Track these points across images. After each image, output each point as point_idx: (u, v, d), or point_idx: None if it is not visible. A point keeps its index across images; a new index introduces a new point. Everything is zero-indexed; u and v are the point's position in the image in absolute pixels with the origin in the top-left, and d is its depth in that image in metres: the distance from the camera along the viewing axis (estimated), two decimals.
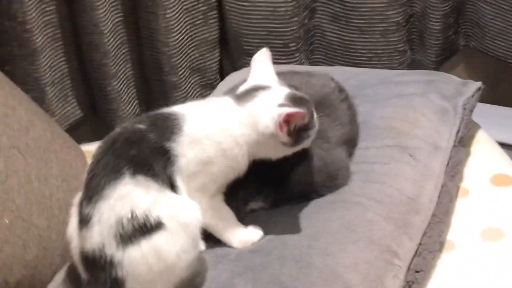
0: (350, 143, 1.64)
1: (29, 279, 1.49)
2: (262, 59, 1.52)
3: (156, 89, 2.23)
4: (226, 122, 1.42)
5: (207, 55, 2.25)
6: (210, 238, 1.47)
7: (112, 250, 1.32)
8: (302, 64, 2.26)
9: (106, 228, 1.33)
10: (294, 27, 2.21)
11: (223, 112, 1.44)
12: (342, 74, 1.87)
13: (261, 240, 1.46)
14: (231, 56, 2.28)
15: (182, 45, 2.17)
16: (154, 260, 1.33)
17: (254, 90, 1.45)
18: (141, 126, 1.41)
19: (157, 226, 1.34)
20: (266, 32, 2.21)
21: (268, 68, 1.51)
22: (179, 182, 1.40)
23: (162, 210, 1.35)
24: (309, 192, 1.54)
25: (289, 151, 1.45)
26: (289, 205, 1.53)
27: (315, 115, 1.45)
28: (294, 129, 1.39)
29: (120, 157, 1.36)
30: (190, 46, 2.21)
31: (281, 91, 1.45)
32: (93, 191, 1.35)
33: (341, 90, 1.68)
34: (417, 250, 1.47)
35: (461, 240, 1.55)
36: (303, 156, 1.51)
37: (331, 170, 1.56)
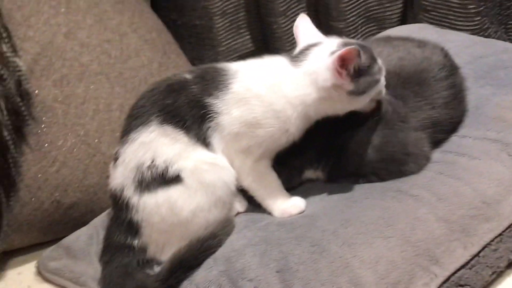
0: (437, 128, 1.59)
1: (85, 204, 1.73)
2: (304, 24, 1.57)
3: (325, 33, 2.28)
4: (280, 83, 1.49)
5: (387, 4, 2.25)
6: (251, 202, 1.59)
7: (130, 193, 1.49)
8: (486, 30, 2.15)
9: (127, 171, 1.50)
10: None
11: (278, 72, 1.51)
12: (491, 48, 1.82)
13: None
14: (413, 9, 2.23)
15: None
16: (168, 212, 1.48)
17: (306, 49, 1.50)
18: (188, 77, 1.54)
19: (176, 179, 1.47)
20: None
21: (313, 31, 1.56)
22: (215, 140, 1.51)
23: (184, 165, 1.48)
24: (367, 171, 1.55)
25: (358, 102, 1.47)
26: (346, 182, 1.57)
27: (378, 59, 1.46)
28: (355, 72, 1.42)
29: (155, 103, 1.51)
30: None
31: (334, 41, 1.49)
32: (124, 131, 1.53)
33: (449, 67, 1.64)
34: (469, 262, 1.42)
35: None
36: (368, 129, 1.54)
37: (396, 153, 1.55)
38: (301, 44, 1.55)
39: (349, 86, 1.43)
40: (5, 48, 1.63)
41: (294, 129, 1.49)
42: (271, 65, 1.54)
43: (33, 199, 1.68)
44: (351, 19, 2.21)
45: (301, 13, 1.61)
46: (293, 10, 2.24)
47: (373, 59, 1.45)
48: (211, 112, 1.49)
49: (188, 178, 1.47)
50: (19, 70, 1.65)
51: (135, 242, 1.51)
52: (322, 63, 1.44)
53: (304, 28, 1.57)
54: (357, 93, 1.44)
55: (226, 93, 1.49)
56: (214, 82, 1.51)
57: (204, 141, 1.49)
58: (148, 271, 1.52)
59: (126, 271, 1.51)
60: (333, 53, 1.42)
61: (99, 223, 1.68)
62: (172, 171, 1.47)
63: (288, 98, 1.47)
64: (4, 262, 1.73)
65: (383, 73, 1.47)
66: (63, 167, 1.71)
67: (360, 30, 2.25)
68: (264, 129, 1.49)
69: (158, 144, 1.48)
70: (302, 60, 1.48)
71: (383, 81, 1.47)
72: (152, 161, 1.47)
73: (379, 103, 1.52)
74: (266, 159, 1.54)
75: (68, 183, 1.71)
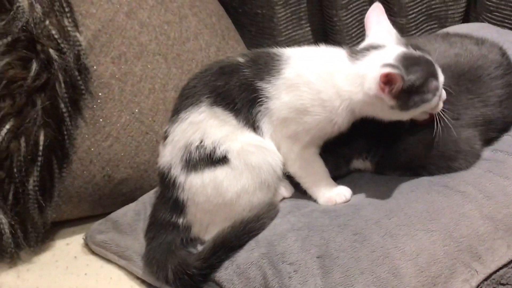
0: (490, 126, 1.58)
1: (135, 180, 1.77)
2: (376, 15, 1.54)
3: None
4: (332, 73, 1.49)
5: (450, 3, 2.22)
6: (297, 188, 1.60)
7: (177, 172, 1.52)
8: None
9: (176, 150, 1.52)
10: None
11: (333, 63, 1.50)
12: None
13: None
14: (476, 9, 2.20)
15: None
16: (213, 192, 1.50)
17: (367, 49, 1.48)
18: (241, 60, 1.55)
19: (223, 160, 1.50)
20: None
21: (385, 24, 1.53)
22: (264, 124, 1.52)
23: (231, 146, 1.50)
24: (416, 165, 1.55)
25: (403, 115, 1.46)
26: (394, 174, 1.58)
27: (436, 80, 1.43)
28: (401, 91, 1.40)
29: (206, 85, 1.53)
30: None
31: (393, 51, 1.46)
32: (175, 110, 1.56)
33: (505, 66, 1.62)
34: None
35: None
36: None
37: (448, 150, 1.54)
38: (369, 37, 1.53)
39: (391, 102, 1.42)
40: (66, 22, 1.68)
41: (340, 120, 1.49)
42: (326, 54, 1.54)
43: (84, 172, 1.72)
44: (413, 15, 2.20)
45: (376, 1, 1.59)
46: (355, 3, 2.23)
47: (426, 78, 1.42)
48: (261, 96, 1.50)
49: (235, 159, 1.49)
50: (79, 45, 1.69)
51: (180, 220, 1.54)
52: (372, 72, 1.43)
53: (375, 20, 1.54)
54: (400, 108, 1.43)
55: (278, 78, 1.50)
56: (266, 67, 1.52)
57: (253, 125, 1.51)
58: (191, 250, 1.55)
59: (169, 248, 1.53)
60: (385, 65, 1.40)
61: (147, 200, 1.71)
62: (219, 152, 1.49)
63: (337, 89, 1.47)
64: (54, 232, 1.77)
65: (439, 91, 1.44)
66: (116, 142, 1.74)
67: (421, 27, 2.23)
68: (311, 116, 1.49)
69: (207, 125, 1.50)
70: (359, 59, 1.47)
71: (435, 100, 1.44)
72: (201, 142, 1.49)
73: (432, 115, 1.49)
74: (314, 147, 1.55)
75: (120, 159, 1.75)
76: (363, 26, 2.28)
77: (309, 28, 2.32)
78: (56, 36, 1.65)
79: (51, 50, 1.63)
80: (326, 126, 1.50)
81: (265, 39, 2.30)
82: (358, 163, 1.61)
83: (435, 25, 2.22)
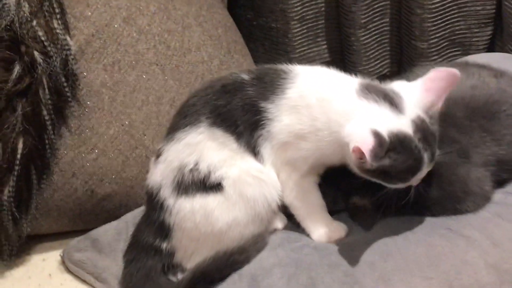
0: (503, 166, 1.45)
1: (120, 197, 1.65)
2: (441, 80, 1.33)
3: (405, 52, 2.16)
4: (332, 101, 1.35)
5: (475, 30, 2.10)
6: (292, 219, 1.48)
7: (167, 194, 1.41)
8: None
9: (168, 171, 1.42)
10: None
11: (338, 91, 1.37)
12: None
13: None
14: (503, 38, 2.07)
15: (442, 12, 2.06)
16: (202, 220, 1.39)
17: (385, 95, 1.32)
18: (245, 77, 1.43)
19: (217, 187, 1.39)
20: None
21: (436, 89, 1.33)
22: (265, 150, 1.41)
23: (228, 173, 1.39)
24: (419, 207, 1.42)
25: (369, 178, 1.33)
26: (395, 214, 1.44)
27: (413, 176, 1.29)
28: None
29: (207, 103, 1.42)
30: (455, 15, 2.08)
31: (398, 120, 1.29)
32: (171, 128, 1.45)
33: None
34: None
35: None
36: None
37: (455, 190, 1.42)
38: (404, 83, 1.37)
39: (356, 168, 1.30)
40: (56, 24, 1.57)
41: (329, 152, 1.36)
42: (336, 80, 1.41)
43: (66, 185, 1.62)
44: (434, 40, 2.07)
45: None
46: (375, 23, 2.12)
47: (400, 172, 1.27)
48: (264, 118, 1.39)
49: (230, 188, 1.39)
50: (68, 49, 1.59)
51: (164, 245, 1.44)
52: (361, 126, 1.27)
53: (436, 83, 1.32)
54: (365, 175, 1.30)
55: (281, 98, 1.39)
56: (272, 85, 1.40)
57: (254, 150, 1.40)
58: (171, 278, 1.45)
59: (148, 274, 1.44)
60: (373, 133, 1.24)
61: (130, 219, 1.60)
62: (214, 178, 1.39)
63: (329, 118, 1.34)
64: (31, 246, 1.68)
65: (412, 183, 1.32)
66: (102, 155, 1.64)
67: (443, 53, 2.11)
68: (309, 143, 1.37)
69: (205, 147, 1.39)
70: (365, 99, 1.31)
71: (402, 186, 1.32)
72: (196, 165, 1.39)
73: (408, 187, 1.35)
74: (313, 176, 1.44)
75: (105, 173, 1.64)
76: (382, 47, 2.23)
77: (325, 46, 2.21)
78: (42, 38, 1.55)
79: (36, 53, 1.53)
80: (322, 156, 1.39)
81: (278, 54, 2.19)
82: (356, 200, 1.48)
83: (458, 52, 2.10)
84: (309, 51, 2.21)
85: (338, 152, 1.34)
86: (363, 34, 2.13)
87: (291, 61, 2.17)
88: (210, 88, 1.45)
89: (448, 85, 1.32)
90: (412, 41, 2.08)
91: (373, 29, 2.14)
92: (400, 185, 1.32)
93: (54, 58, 1.54)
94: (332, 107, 1.35)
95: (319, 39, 2.22)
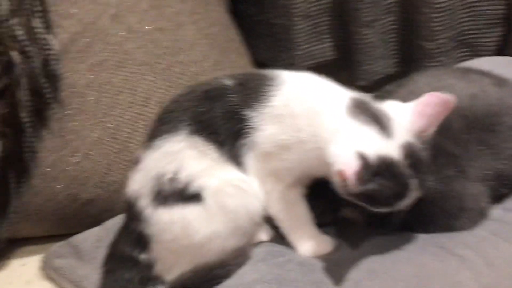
0: (501, 181, 1.38)
1: (104, 202, 1.60)
2: (430, 104, 1.27)
3: (412, 52, 2.08)
4: (320, 114, 1.29)
5: (484, 30, 2.02)
6: (278, 230, 1.41)
7: (145, 203, 1.35)
8: None
9: (146, 180, 1.35)
10: None
11: (327, 103, 1.30)
12: None
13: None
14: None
15: (450, 11, 1.98)
16: (181, 232, 1.33)
17: (375, 116, 1.26)
18: (228, 83, 1.37)
19: (196, 197, 1.32)
20: None
21: (429, 114, 1.27)
22: (249, 160, 1.34)
23: (208, 183, 1.32)
24: (411, 223, 1.35)
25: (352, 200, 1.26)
26: (384, 228, 1.38)
27: (400, 201, 1.23)
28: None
29: (187, 110, 1.35)
30: (463, 14, 2.01)
31: (390, 140, 1.24)
32: (150, 135, 1.39)
33: None
34: None
35: None
36: None
37: (450, 207, 1.35)
38: (396, 104, 1.31)
39: (339, 188, 1.22)
40: (37, 23, 1.51)
41: (316, 166, 1.29)
42: (326, 91, 1.34)
43: (46, 188, 1.57)
44: (442, 41, 1.99)
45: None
46: (381, 21, 2.04)
47: (384, 198, 1.21)
48: (247, 127, 1.32)
49: (209, 199, 1.32)
50: (49, 49, 1.53)
51: (142, 256, 1.37)
52: (347, 148, 1.21)
53: (427, 108, 1.27)
54: (345, 195, 1.23)
55: (265, 106, 1.32)
56: (256, 92, 1.34)
57: (236, 160, 1.34)
58: None
59: (125, 287, 1.38)
60: (359, 155, 1.19)
61: (111, 226, 1.54)
62: (193, 188, 1.32)
63: (315, 132, 1.28)
64: (11, 250, 1.63)
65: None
66: (85, 159, 1.58)
67: (450, 54, 2.03)
68: (293, 154, 1.31)
69: (185, 156, 1.33)
70: (355, 117, 1.26)
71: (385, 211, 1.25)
72: (175, 174, 1.32)
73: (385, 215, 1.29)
74: (299, 187, 1.37)
75: (88, 177, 1.58)
76: (388, 46, 2.14)
77: (329, 44, 2.13)
78: (21, 38, 1.49)
79: (13, 53, 1.47)
80: (307, 169, 1.32)
81: (281, 52, 2.11)
82: (346, 212, 1.42)
83: (467, 53, 2.02)
84: (313, 48, 2.13)
85: (323, 167, 1.26)
86: (368, 32, 2.05)
87: (293, 58, 2.14)
88: (191, 93, 1.38)
89: (442, 112, 1.26)
90: (418, 41, 2.00)
91: (379, 27, 2.06)
92: (385, 210, 1.25)
93: (34, 58, 1.49)
94: (319, 121, 1.28)
95: (324, 37, 2.13)
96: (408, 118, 1.26)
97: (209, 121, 1.33)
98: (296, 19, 2.08)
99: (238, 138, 1.33)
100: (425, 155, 1.26)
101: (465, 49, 2.02)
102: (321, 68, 2.10)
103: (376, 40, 2.08)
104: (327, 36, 2.14)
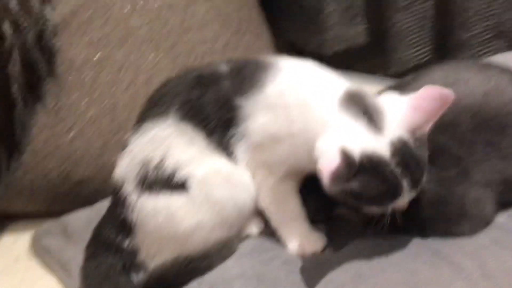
0: (509, 187, 1.28)
1: (98, 182, 1.55)
2: (427, 98, 1.19)
3: (447, 41, 1.96)
4: (311, 106, 1.22)
5: None
6: (267, 225, 1.35)
7: (130, 189, 1.31)
8: None
9: (132, 164, 1.31)
10: None
11: (320, 95, 1.23)
12: None
13: None
14: None
15: (487, 0, 1.86)
16: (165, 221, 1.29)
17: (365, 110, 1.18)
18: (222, 69, 1.31)
19: (181, 186, 1.27)
20: None
21: (425, 109, 1.18)
22: (239, 150, 1.29)
23: (194, 172, 1.27)
24: (408, 226, 1.26)
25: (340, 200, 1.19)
26: (380, 230, 1.26)
27: (391, 202, 1.16)
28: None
29: (178, 94, 1.30)
30: (500, 4, 1.88)
31: (379, 136, 1.16)
32: (139, 118, 1.34)
33: None
34: None
35: None
36: None
37: (450, 211, 1.26)
38: (392, 96, 1.23)
39: (325, 185, 1.12)
40: None
41: (306, 160, 1.21)
42: (323, 81, 1.27)
43: (38, 165, 1.53)
44: (477, 31, 1.88)
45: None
46: (418, 6, 1.93)
47: (371, 198, 1.15)
48: (239, 115, 1.26)
49: (195, 188, 1.27)
50: (45, 21, 1.48)
51: (126, 242, 1.33)
52: (332, 143, 1.14)
53: (424, 102, 1.18)
54: (329, 193, 1.14)
55: (259, 94, 1.26)
56: (250, 80, 1.27)
57: (227, 149, 1.28)
58: (134, 277, 1.34)
59: (107, 273, 1.34)
60: (343, 151, 1.11)
61: (103, 208, 1.45)
62: (179, 176, 1.27)
63: (306, 124, 1.21)
64: (3, 227, 1.60)
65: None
66: (80, 137, 1.53)
67: (486, 46, 1.91)
68: (284, 146, 1.24)
69: (172, 142, 1.28)
70: (345, 111, 1.18)
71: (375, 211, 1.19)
72: (161, 161, 1.27)
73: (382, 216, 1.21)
74: (292, 181, 1.30)
75: (82, 156, 1.54)
76: (423, 33, 2.03)
77: (363, 27, 2.03)
78: (15, 9, 1.44)
79: (5, 25, 1.43)
80: (299, 162, 1.25)
81: (309, 35, 2.02)
82: (342, 210, 1.33)
83: (505, 45, 1.90)
84: (344, 33, 2.03)
85: (313, 163, 1.18)
86: (403, 17, 1.94)
87: (323, 42, 2.05)
88: (184, 77, 1.33)
89: (440, 107, 1.16)
90: (454, 29, 1.89)
91: (415, 12, 1.95)
92: (376, 210, 1.18)
93: (27, 30, 1.44)
94: (310, 113, 1.21)
95: (355, 20, 2.04)
96: (402, 112, 1.18)
97: (199, 107, 1.27)
98: (327, 1, 1.99)
99: (229, 127, 1.27)
100: (420, 153, 1.17)
101: (501, 40, 1.90)
102: (351, 53, 2.06)
103: (411, 26, 1.97)
104: (359, 20, 2.04)
